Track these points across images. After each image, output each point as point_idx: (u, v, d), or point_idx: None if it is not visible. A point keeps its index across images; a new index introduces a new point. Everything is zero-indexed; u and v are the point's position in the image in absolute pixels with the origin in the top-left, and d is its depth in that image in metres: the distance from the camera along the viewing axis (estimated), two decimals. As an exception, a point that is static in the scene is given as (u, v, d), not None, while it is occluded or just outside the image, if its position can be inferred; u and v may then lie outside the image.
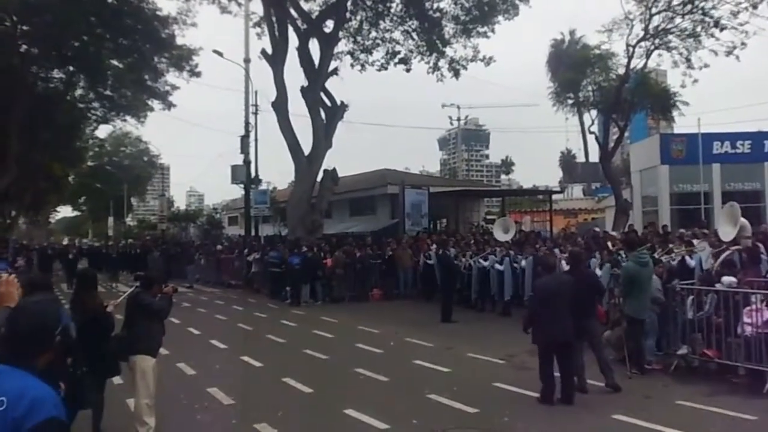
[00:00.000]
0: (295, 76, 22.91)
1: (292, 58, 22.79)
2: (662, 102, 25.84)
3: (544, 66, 48.37)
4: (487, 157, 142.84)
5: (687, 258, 10.81)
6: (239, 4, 25.02)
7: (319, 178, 22.77)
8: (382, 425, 6.36)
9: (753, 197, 23.67)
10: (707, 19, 22.02)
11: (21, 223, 53.92)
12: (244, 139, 26.95)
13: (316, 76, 22.49)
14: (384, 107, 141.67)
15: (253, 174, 27.35)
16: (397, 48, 24.68)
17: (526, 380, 7.67)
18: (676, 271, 10.03)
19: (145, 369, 5.87)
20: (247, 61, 27.16)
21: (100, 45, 25.67)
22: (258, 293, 20.40)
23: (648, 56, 23.99)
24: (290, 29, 23.02)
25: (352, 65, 25.07)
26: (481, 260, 15.30)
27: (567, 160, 66.21)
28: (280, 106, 22.40)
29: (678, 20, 22.73)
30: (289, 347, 11.23)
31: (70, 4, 22.18)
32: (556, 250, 13.99)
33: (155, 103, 30.66)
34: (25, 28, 24.83)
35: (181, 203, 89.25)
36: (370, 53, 24.98)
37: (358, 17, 24.48)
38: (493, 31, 23.41)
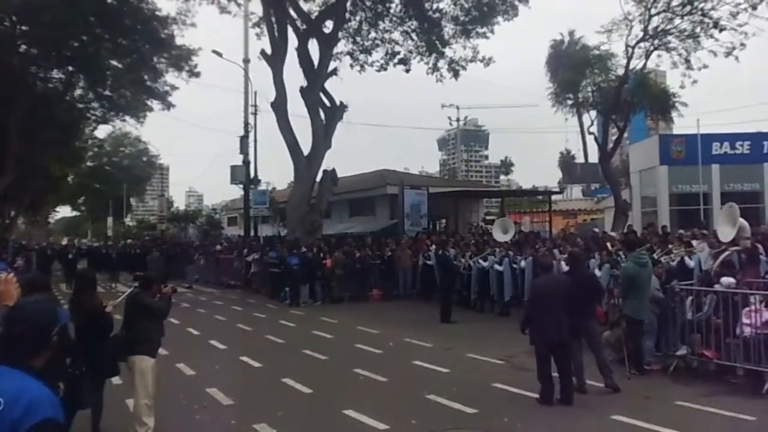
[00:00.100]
0: (294, 76, 22.96)
1: (292, 59, 22.83)
2: (661, 103, 25.87)
3: (543, 67, 48.27)
4: (486, 157, 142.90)
5: (686, 259, 10.83)
6: (238, 5, 25.05)
7: (318, 179, 22.77)
8: (382, 425, 6.35)
9: (752, 198, 23.68)
10: (706, 20, 22.05)
11: (20, 223, 53.91)
12: (244, 139, 26.95)
13: (316, 76, 22.49)
14: (383, 108, 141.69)
15: (252, 174, 27.36)
16: (397, 48, 24.72)
17: (526, 381, 7.67)
18: (675, 271, 10.04)
19: (144, 369, 5.87)
20: (246, 61, 27.17)
21: (100, 45, 25.67)
22: (257, 294, 20.39)
23: (647, 57, 24.04)
24: (290, 29, 23.01)
25: (351, 66, 25.12)
26: (480, 261, 15.30)
27: (566, 161, 66.18)
28: (280, 106, 22.40)
29: (677, 21, 22.76)
30: (288, 348, 11.23)
31: (70, 5, 22.18)
32: (556, 251, 13.99)
33: (154, 104, 30.69)
34: (24, 28, 24.83)
35: (180, 203, 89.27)
36: (370, 54, 25.01)
37: (358, 18, 24.49)
38: (492, 31, 23.45)
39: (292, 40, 23.02)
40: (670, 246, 11.37)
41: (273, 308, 17.16)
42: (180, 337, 11.50)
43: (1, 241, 28.00)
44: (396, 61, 24.72)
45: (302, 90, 22.58)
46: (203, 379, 8.55)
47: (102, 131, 45.16)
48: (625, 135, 30.07)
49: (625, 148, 43.59)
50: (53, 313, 2.14)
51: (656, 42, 23.39)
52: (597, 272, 10.70)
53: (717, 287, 8.32)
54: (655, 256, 9.94)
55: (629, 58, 23.84)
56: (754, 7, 20.89)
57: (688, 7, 22.09)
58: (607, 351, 8.32)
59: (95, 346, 5.64)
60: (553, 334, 7.00)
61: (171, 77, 29.02)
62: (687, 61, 23.22)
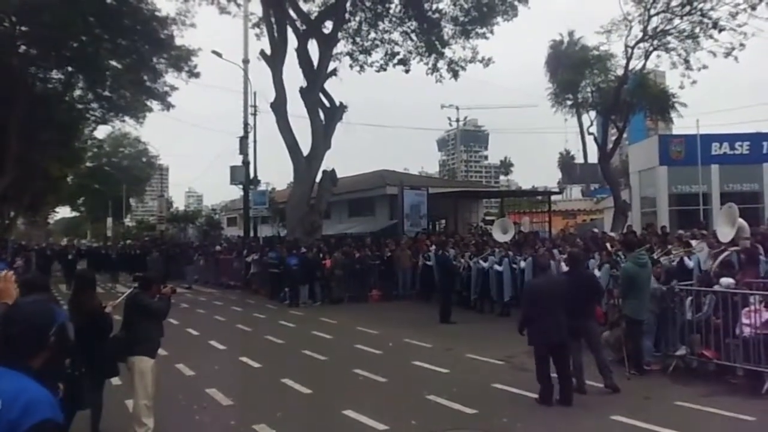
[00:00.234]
0: (294, 77, 22.96)
1: (291, 59, 22.83)
2: (661, 103, 25.89)
3: (542, 67, 48.40)
4: (485, 158, 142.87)
5: (685, 259, 10.84)
6: (238, 5, 25.03)
7: (318, 179, 22.76)
8: (381, 426, 6.35)
9: (751, 198, 23.69)
10: (706, 20, 22.07)
11: (19, 224, 53.91)
12: (243, 139, 26.94)
13: (315, 77, 22.49)
14: (383, 108, 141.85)
15: (252, 175, 27.34)
16: (396, 49, 24.72)
17: (525, 381, 7.67)
18: (674, 272, 10.04)
19: (143, 370, 5.86)
20: (246, 61, 27.16)
21: (99, 45, 25.67)
22: (257, 294, 20.38)
23: (647, 57, 24.06)
24: (289, 30, 23.02)
25: (351, 66, 25.12)
26: (480, 261, 15.29)
27: (566, 161, 66.21)
28: (279, 106, 22.40)
29: (677, 21, 22.78)
30: (287, 348, 11.22)
31: (69, 5, 22.18)
32: (555, 251, 14.00)
33: (154, 104, 30.70)
34: (23, 28, 24.84)
35: (179, 204, 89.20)
36: (369, 54, 25.00)
37: (357, 18, 24.49)
38: (492, 32, 23.46)
39: (292, 41, 23.06)
40: (669, 246, 11.37)
41: (272, 309, 17.16)
42: (179, 337, 11.50)
43: (0, 242, 28.00)
44: (395, 61, 24.74)
45: (302, 90, 22.58)
46: (203, 380, 8.55)
47: (101, 132, 45.21)
48: (625, 135, 30.10)
49: (624, 149, 43.62)
50: (51, 313, 2.13)
51: (655, 42, 23.41)
52: (597, 272, 10.70)
53: (717, 287, 8.33)
54: (654, 256, 9.95)
55: (628, 59, 23.89)
56: (753, 8, 20.93)
57: (688, 8, 22.11)
58: (607, 351, 8.33)
59: (95, 346, 5.63)
60: (552, 335, 6.99)
61: (170, 78, 29.07)
62: (686, 61, 23.25)
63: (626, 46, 23.67)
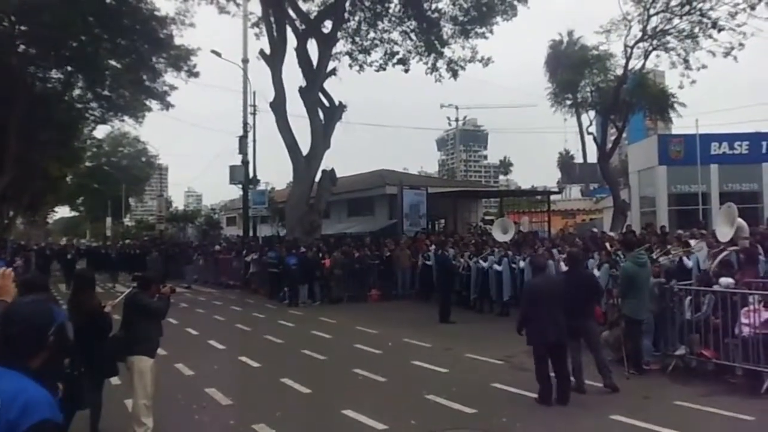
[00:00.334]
0: (293, 76, 22.95)
1: (291, 59, 22.82)
2: (660, 103, 25.90)
3: (542, 67, 48.48)
4: (485, 157, 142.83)
5: (684, 259, 10.83)
6: (237, 5, 25.01)
7: (317, 179, 22.76)
8: (380, 426, 6.35)
9: (750, 198, 23.70)
10: (705, 20, 22.08)
11: (19, 224, 53.87)
12: (243, 139, 26.94)
13: (315, 76, 22.48)
14: (382, 108, 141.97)
15: (251, 174, 27.35)
16: (396, 48, 24.71)
17: (525, 381, 7.67)
18: (673, 271, 10.04)
19: (142, 369, 5.86)
20: (245, 61, 27.17)
21: (98, 45, 25.67)
22: (256, 294, 20.38)
23: (646, 57, 24.06)
24: (288, 30, 23.00)
25: (350, 66, 25.11)
26: (480, 261, 15.29)
27: (565, 161, 66.31)
28: (279, 106, 22.40)
29: (676, 21, 22.79)
30: (287, 348, 11.22)
31: (69, 4, 22.18)
32: (555, 251, 14.00)
33: (153, 104, 30.72)
34: (23, 28, 24.84)
35: (179, 203, 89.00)
36: (369, 54, 24.99)
37: (357, 18, 24.48)
38: (491, 31, 23.45)
39: (291, 40, 23.05)
40: (669, 247, 11.38)
41: (272, 308, 17.16)
42: (179, 337, 11.49)
43: (-1, 242, 27.99)
44: (395, 61, 24.73)
45: (301, 90, 22.57)
46: (202, 379, 8.54)
47: (101, 131, 45.24)
48: (624, 135, 30.12)
49: (623, 149, 43.64)
50: (50, 312, 2.13)
51: (655, 42, 23.42)
52: (596, 272, 10.70)
53: (716, 287, 8.33)
54: (653, 256, 9.95)
55: (628, 59, 23.90)
56: (752, 8, 20.94)
57: (687, 8, 22.12)
58: (606, 351, 8.33)
59: (94, 346, 5.63)
60: (550, 334, 7.00)
61: (170, 77, 29.08)
62: (686, 61, 23.26)
63: (625, 45, 23.71)
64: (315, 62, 22.67)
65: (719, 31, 21.89)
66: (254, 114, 27.77)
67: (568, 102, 28.94)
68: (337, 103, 23.32)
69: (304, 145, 22.44)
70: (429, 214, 25.93)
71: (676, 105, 25.61)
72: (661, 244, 11.75)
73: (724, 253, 9.95)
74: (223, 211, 55.38)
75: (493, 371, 8.80)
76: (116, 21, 24.17)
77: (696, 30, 22.48)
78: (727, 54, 22.29)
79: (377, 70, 25.02)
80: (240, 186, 27.61)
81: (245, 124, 27.15)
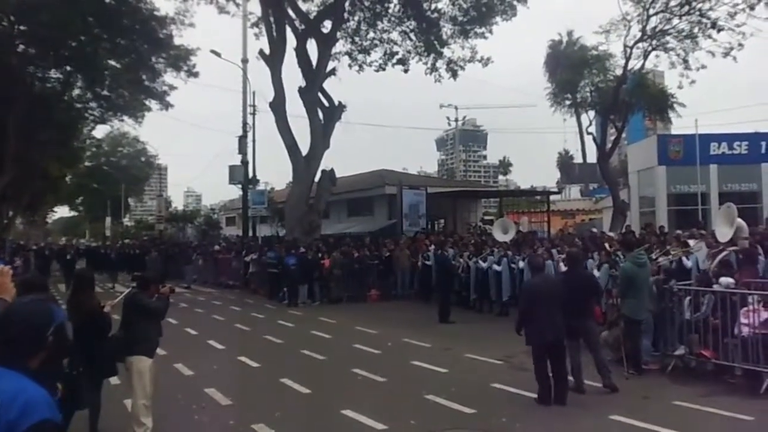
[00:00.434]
0: (293, 76, 22.94)
1: (290, 59, 22.81)
2: (659, 103, 25.90)
3: (541, 67, 48.49)
4: (484, 157, 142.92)
5: (684, 259, 10.83)
6: (237, 5, 25.00)
7: (316, 179, 22.76)
8: (380, 425, 6.35)
9: (750, 198, 23.71)
10: (704, 20, 22.08)
11: (18, 224, 53.82)
12: (242, 139, 26.95)
13: (314, 76, 22.47)
14: (382, 108, 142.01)
15: (250, 174, 27.37)
16: (395, 49, 24.69)
17: (524, 381, 7.67)
18: (672, 271, 10.04)
19: (142, 370, 5.86)
20: (244, 61, 27.18)
21: (98, 45, 25.66)
22: (255, 294, 20.38)
23: (645, 57, 24.06)
24: (288, 30, 22.99)
25: (350, 66, 25.08)
26: (479, 261, 15.29)
27: (564, 161, 66.35)
28: (278, 106, 22.39)
29: (675, 21, 22.79)
30: (286, 348, 11.22)
31: (68, 4, 22.18)
32: (554, 251, 14.00)
33: (153, 104, 30.72)
34: (22, 27, 24.83)
35: (178, 203, 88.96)
36: (368, 54, 24.97)
37: (356, 18, 24.46)
38: (490, 32, 23.42)
39: (291, 41, 23.03)
40: (668, 247, 11.38)
41: (271, 308, 17.16)
42: (178, 337, 11.49)
43: (-1, 241, 27.97)
44: (394, 61, 24.71)
45: (301, 90, 22.56)
46: (201, 379, 8.54)
47: (100, 131, 45.29)
48: (624, 135, 30.15)
49: (623, 149, 43.66)
50: (49, 312, 2.13)
51: (654, 42, 23.42)
52: (596, 272, 10.71)
53: (715, 287, 8.33)
54: (653, 256, 9.96)
55: (627, 59, 23.90)
56: (752, 8, 20.94)
57: (686, 8, 22.12)
58: (606, 351, 8.33)
59: (93, 346, 5.63)
60: (548, 333, 7.01)
61: (169, 77, 29.09)
62: (685, 61, 23.27)
63: (625, 46, 23.71)
64: (314, 62, 22.66)
65: (718, 31, 21.92)
66: (254, 114, 27.82)
67: (568, 102, 28.96)
68: (336, 103, 23.32)
69: (304, 145, 22.46)
70: (428, 214, 25.93)
71: (675, 105, 25.62)
72: (660, 244, 11.76)
73: (724, 253, 9.95)
74: (223, 211, 55.39)
75: (492, 371, 8.81)
76: (116, 21, 24.17)
77: (695, 30, 22.50)
78: (726, 54, 22.31)
79: (377, 70, 25.03)
80: (239, 186, 27.62)
81: (245, 124, 27.16)
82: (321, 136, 22.43)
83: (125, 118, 32.96)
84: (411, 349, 10.51)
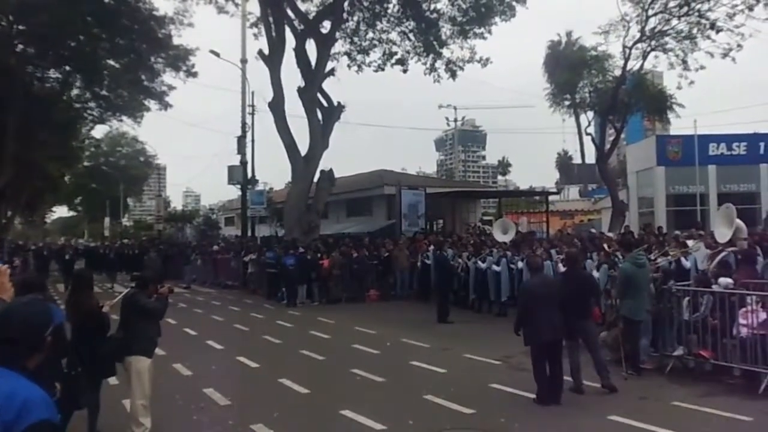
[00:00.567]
0: (292, 76, 22.93)
1: (289, 59, 22.81)
2: (658, 104, 25.96)
3: (540, 67, 48.49)
4: (483, 158, 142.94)
5: (682, 259, 10.85)
6: (236, 5, 25.02)
7: (315, 179, 22.76)
8: (379, 426, 6.35)
9: (748, 199, 23.76)
10: (703, 21, 22.13)
11: (17, 224, 53.77)
12: (241, 139, 26.95)
13: (313, 76, 22.47)
14: (381, 108, 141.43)
15: (249, 174, 27.36)
16: (394, 49, 24.69)
17: (523, 381, 7.68)
18: (671, 272, 10.05)
19: (140, 370, 5.86)
20: (243, 61, 27.19)
21: (97, 45, 25.66)
22: (254, 294, 20.37)
23: (644, 58, 24.11)
24: (287, 30, 22.99)
25: (349, 66, 25.08)
26: (478, 261, 15.29)
27: (563, 162, 66.40)
28: (277, 106, 22.39)
29: (674, 22, 22.85)
30: (285, 348, 11.22)
31: (67, 4, 22.16)
32: (553, 251, 14.01)
33: (152, 103, 30.73)
34: (21, 27, 24.81)
35: (177, 204, 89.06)
36: (367, 54, 24.97)
37: (355, 18, 24.47)
38: (489, 32, 23.41)
39: (290, 41, 23.03)
40: (667, 248, 11.39)
41: (270, 308, 17.15)
42: (177, 337, 11.49)
43: (-3, 241, 27.94)
44: (393, 61, 24.71)
45: (300, 90, 22.56)
46: (200, 380, 8.54)
47: (99, 131, 45.29)
48: (622, 136, 30.20)
49: (622, 149, 43.68)
50: (47, 313, 2.13)
51: (653, 43, 23.47)
52: (595, 273, 10.71)
53: (714, 288, 8.34)
54: (652, 256, 9.96)
55: (626, 59, 23.96)
56: (750, 9, 21.00)
57: (685, 8, 22.17)
58: (604, 351, 8.33)
59: (92, 346, 5.63)
60: (545, 333, 7.03)
61: (168, 77, 29.09)
62: (684, 62, 23.32)
63: (624, 46, 23.77)
64: (314, 62, 22.66)
65: (717, 32, 21.98)
66: (253, 114, 27.81)
67: (567, 102, 29.01)
68: (335, 103, 23.32)
69: (303, 146, 22.45)
70: (427, 215, 25.93)
71: (674, 106, 25.71)
72: (659, 244, 11.77)
73: (723, 254, 9.97)
74: (222, 212, 55.39)
75: (491, 371, 8.81)
76: (115, 21, 24.16)
77: (694, 31, 22.55)
78: (725, 55, 22.36)
79: (376, 71, 25.03)
80: (238, 186, 27.62)
81: (244, 124, 27.17)
82: (320, 136, 22.43)
83: (124, 118, 33.00)
84: (410, 350, 10.51)
